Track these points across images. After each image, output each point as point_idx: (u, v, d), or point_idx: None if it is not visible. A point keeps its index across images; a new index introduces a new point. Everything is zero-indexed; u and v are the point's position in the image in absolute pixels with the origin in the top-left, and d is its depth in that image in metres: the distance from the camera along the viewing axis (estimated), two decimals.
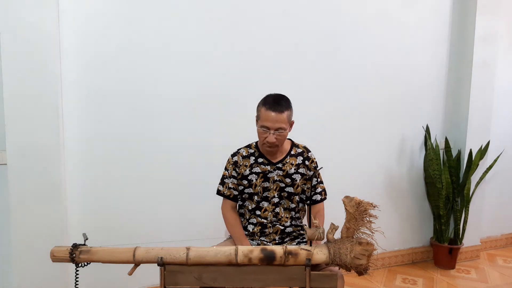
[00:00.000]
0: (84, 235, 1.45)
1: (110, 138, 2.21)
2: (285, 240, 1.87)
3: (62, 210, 2.07)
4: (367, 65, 2.74)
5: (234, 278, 1.38)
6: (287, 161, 1.86)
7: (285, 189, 1.86)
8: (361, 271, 1.42)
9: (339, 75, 2.67)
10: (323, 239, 1.42)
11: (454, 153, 2.98)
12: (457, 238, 2.94)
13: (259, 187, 1.85)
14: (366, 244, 1.39)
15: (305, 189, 1.90)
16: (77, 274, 1.45)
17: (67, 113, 2.10)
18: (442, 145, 3.00)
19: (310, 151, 1.94)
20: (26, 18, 1.90)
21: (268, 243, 1.85)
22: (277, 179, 1.85)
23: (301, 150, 1.91)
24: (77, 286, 1.46)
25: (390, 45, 2.79)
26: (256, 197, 1.86)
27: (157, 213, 2.34)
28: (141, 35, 2.21)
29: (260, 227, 1.86)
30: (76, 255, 1.39)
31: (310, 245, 1.44)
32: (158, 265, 1.37)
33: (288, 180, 1.85)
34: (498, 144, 3.19)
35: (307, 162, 1.89)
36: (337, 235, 1.46)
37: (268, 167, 1.85)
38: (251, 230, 1.87)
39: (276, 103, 1.74)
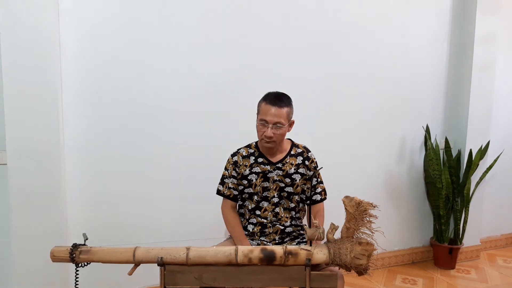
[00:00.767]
0: (84, 235, 1.45)
1: (110, 138, 2.21)
2: (285, 240, 1.87)
3: (62, 210, 2.06)
4: (367, 65, 2.74)
5: (234, 278, 1.38)
6: (287, 161, 1.87)
7: (284, 189, 1.86)
8: (361, 271, 1.42)
9: (339, 74, 2.67)
10: (323, 239, 1.42)
11: (454, 153, 2.98)
12: (457, 238, 2.94)
13: (259, 187, 1.85)
14: (366, 244, 1.39)
15: (305, 189, 1.90)
16: (77, 274, 1.45)
17: (67, 113, 2.10)
18: (442, 145, 3.00)
19: (310, 151, 1.94)
20: (26, 18, 1.89)
21: (268, 243, 1.85)
22: (277, 179, 1.85)
23: (301, 150, 1.91)
24: (77, 286, 1.46)
25: (390, 45, 2.79)
26: (256, 197, 1.86)
27: (157, 213, 2.34)
28: (141, 35, 2.21)
29: (260, 227, 1.86)
30: (76, 255, 1.38)
31: (310, 245, 1.44)
32: (158, 265, 1.37)
33: (288, 180, 1.85)
34: (498, 144, 3.19)
35: (307, 162, 1.89)
36: (337, 235, 1.46)
37: (268, 167, 1.85)
38: (251, 230, 1.87)
39: (277, 98, 1.76)
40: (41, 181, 1.99)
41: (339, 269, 1.55)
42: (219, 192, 1.93)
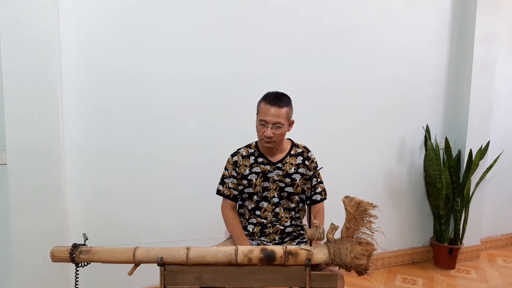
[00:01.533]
0: (84, 235, 1.45)
1: (110, 138, 2.21)
2: (285, 240, 1.87)
3: (62, 210, 2.06)
4: (367, 65, 2.74)
5: (234, 278, 1.38)
6: (287, 161, 1.86)
7: (284, 189, 1.86)
8: (361, 271, 1.42)
9: (339, 74, 2.67)
10: (323, 239, 1.42)
11: (454, 153, 2.98)
12: (457, 238, 2.94)
13: (258, 187, 1.85)
14: (366, 244, 1.39)
15: (305, 189, 1.90)
16: (77, 274, 1.45)
17: (67, 113, 2.10)
18: (442, 145, 3.00)
19: (310, 151, 1.94)
20: (26, 18, 1.89)
21: (268, 243, 1.85)
22: (277, 179, 1.85)
23: (301, 150, 1.91)
24: (77, 286, 1.46)
25: (390, 45, 2.79)
26: (255, 197, 1.86)
27: (157, 213, 2.34)
28: (141, 35, 2.21)
29: (260, 227, 1.86)
30: (76, 255, 1.38)
31: (310, 245, 1.44)
32: (158, 265, 1.37)
33: (287, 180, 1.85)
34: (498, 144, 3.19)
35: (307, 162, 1.89)
36: (337, 235, 1.46)
37: (268, 167, 1.85)
38: (251, 230, 1.87)
39: (277, 98, 1.76)
40: (41, 181, 1.99)
41: (339, 269, 1.55)
42: (219, 192, 1.93)
